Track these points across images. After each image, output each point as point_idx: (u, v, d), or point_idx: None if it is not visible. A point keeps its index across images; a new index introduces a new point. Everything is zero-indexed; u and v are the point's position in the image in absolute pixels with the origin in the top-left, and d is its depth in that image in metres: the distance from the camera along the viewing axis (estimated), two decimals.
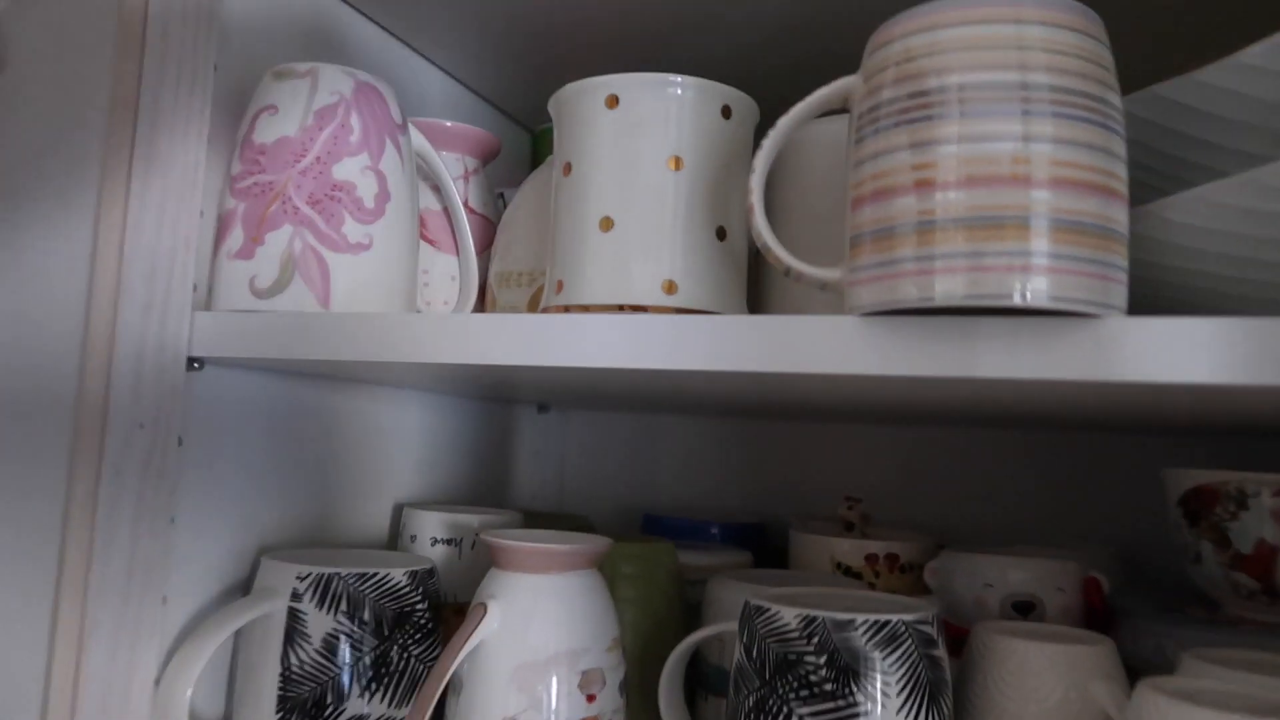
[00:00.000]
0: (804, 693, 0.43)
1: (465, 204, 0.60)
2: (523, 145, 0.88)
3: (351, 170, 0.49)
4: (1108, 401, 0.41)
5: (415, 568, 0.53)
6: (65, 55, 0.44)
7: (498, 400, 0.83)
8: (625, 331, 0.40)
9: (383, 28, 0.67)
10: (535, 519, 0.74)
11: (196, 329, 0.48)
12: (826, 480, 0.84)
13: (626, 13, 0.62)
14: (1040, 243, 0.33)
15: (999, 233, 0.34)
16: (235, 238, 0.48)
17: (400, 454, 0.69)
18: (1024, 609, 0.56)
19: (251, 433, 0.55)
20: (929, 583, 0.61)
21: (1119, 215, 0.35)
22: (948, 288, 0.34)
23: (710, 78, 0.72)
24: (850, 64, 0.66)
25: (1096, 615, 0.57)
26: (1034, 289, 0.33)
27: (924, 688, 0.44)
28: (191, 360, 0.49)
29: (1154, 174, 0.45)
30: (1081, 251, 0.34)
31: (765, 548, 0.78)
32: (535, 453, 0.89)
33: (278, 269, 0.47)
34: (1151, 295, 0.40)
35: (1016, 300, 0.33)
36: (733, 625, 0.49)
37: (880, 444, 0.83)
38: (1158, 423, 0.59)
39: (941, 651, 0.46)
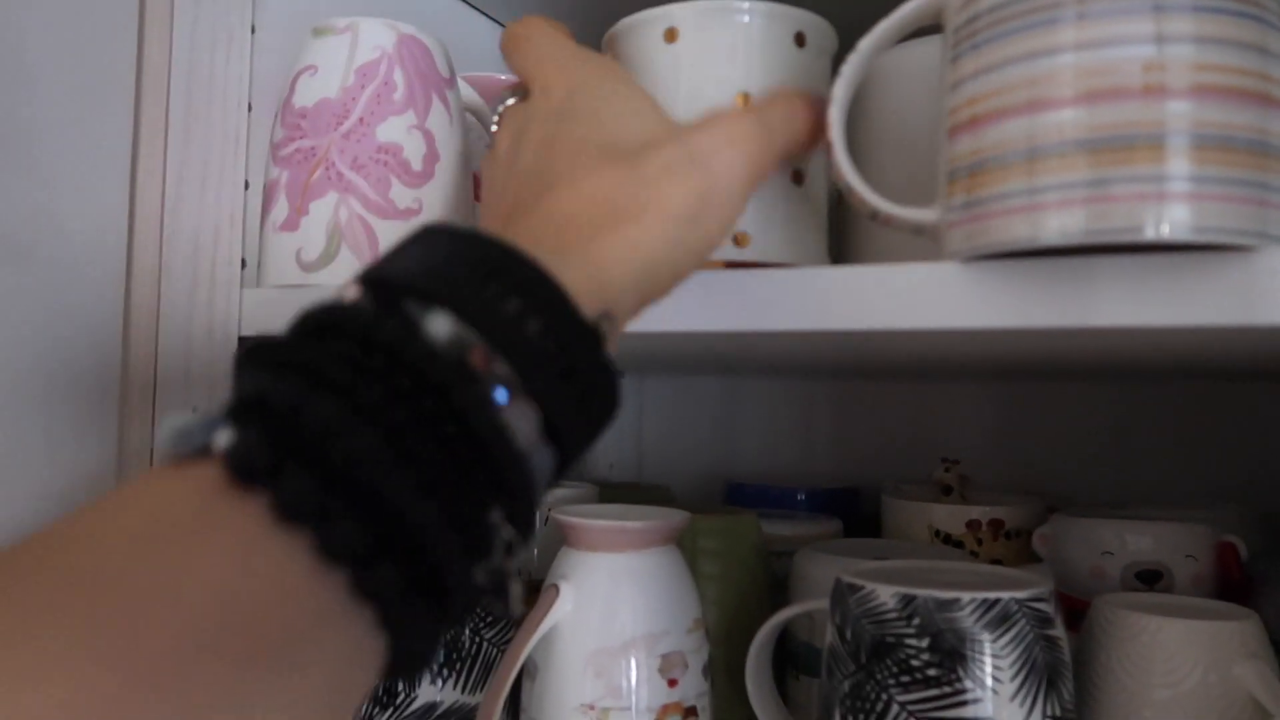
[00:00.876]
0: (905, 679, 0.39)
1: None
2: None
3: (397, 130, 0.45)
4: (1257, 347, 0.36)
5: None
6: (86, 22, 0.42)
7: None
8: (692, 291, 0.36)
9: None
10: (613, 491, 0.72)
11: (246, 307, 0.46)
12: (922, 441, 0.79)
13: None
14: (1179, 164, 0.28)
15: (1129, 155, 0.28)
16: (280, 209, 0.46)
17: None
18: (1149, 579, 0.51)
19: None
20: (1039, 551, 0.56)
21: (1277, 127, 0.29)
22: (1065, 223, 0.29)
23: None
24: None
25: (1233, 585, 0.51)
26: (1173, 219, 0.28)
27: (1040, 673, 0.39)
28: (243, 340, 0.47)
29: None
30: (1232, 173, 0.28)
31: (857, 515, 0.73)
32: None
33: (324, 240, 0.45)
34: None
35: (1149, 234, 0.28)
36: (823, 603, 0.45)
37: (979, 399, 0.77)
38: None
39: (1059, 631, 0.41)
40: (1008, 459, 0.76)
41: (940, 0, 0.34)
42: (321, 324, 0.22)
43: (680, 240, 0.28)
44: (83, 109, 0.41)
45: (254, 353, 0.22)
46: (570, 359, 0.23)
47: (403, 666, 0.21)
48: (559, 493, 0.60)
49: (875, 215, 0.35)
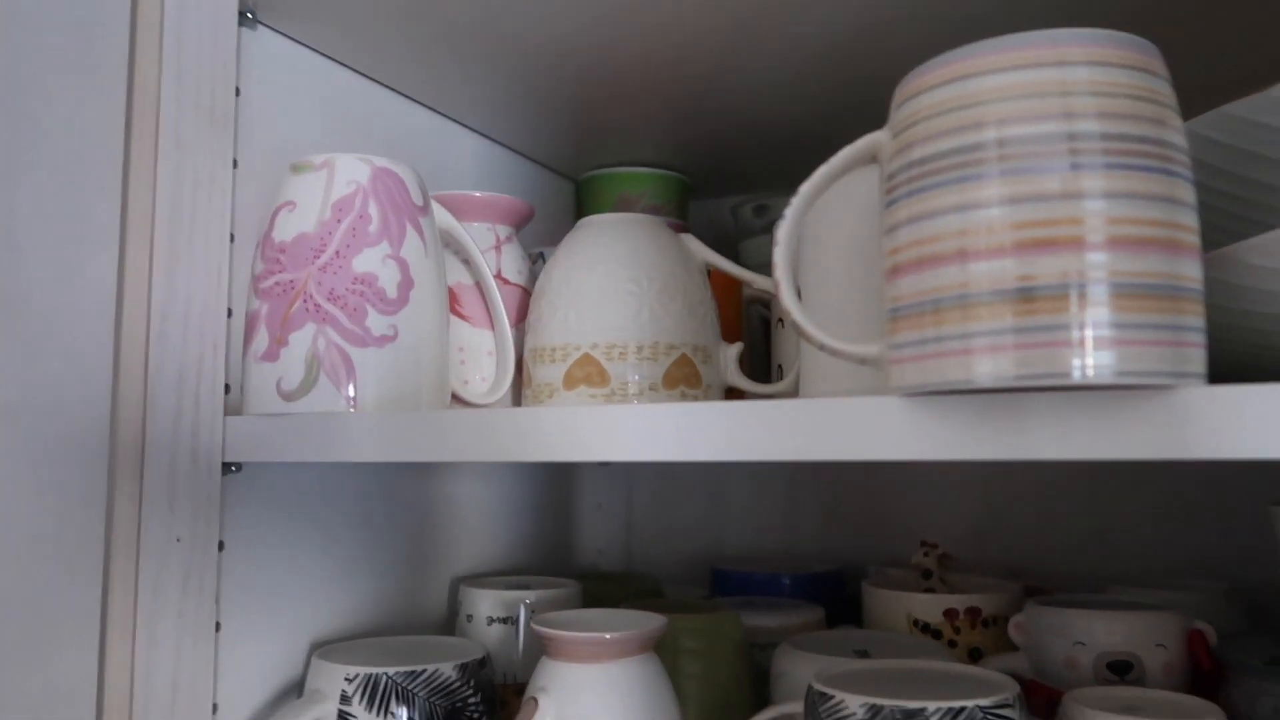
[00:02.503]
0: None
1: (498, 275, 0.59)
2: (566, 196, 0.86)
3: (372, 261, 0.47)
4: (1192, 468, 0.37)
5: (466, 659, 0.51)
6: (72, 173, 0.44)
7: None
8: (654, 422, 0.38)
9: (410, 99, 0.67)
10: (599, 582, 0.72)
11: (230, 434, 0.48)
12: (904, 520, 0.80)
13: (662, 49, 0.60)
14: (1099, 312, 0.30)
15: (1052, 304, 0.30)
16: (261, 339, 0.47)
17: (456, 525, 0.68)
18: (1121, 669, 0.52)
19: (296, 526, 0.54)
20: (1014, 640, 0.57)
21: (1190, 271, 0.31)
22: (994, 368, 0.31)
23: (749, 119, 0.69)
24: (884, 112, 0.63)
25: (1204, 673, 0.52)
26: (1096, 364, 0.30)
27: None
28: (227, 465, 0.48)
29: (1230, 200, 0.40)
30: (1148, 317, 0.30)
31: (841, 597, 0.74)
32: (599, 506, 0.87)
33: (303, 370, 0.46)
34: (1232, 350, 0.36)
35: (1075, 378, 0.30)
36: (797, 707, 0.46)
37: (960, 479, 0.78)
38: None
39: None
40: (988, 537, 0.77)
41: (875, 145, 0.36)
42: None
43: None
44: (70, 253, 0.43)
45: None
46: None
47: None
48: (543, 593, 0.61)
49: (823, 348, 0.37)
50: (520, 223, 0.61)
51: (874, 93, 0.65)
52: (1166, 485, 0.71)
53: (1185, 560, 0.71)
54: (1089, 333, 0.30)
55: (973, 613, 0.60)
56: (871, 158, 0.37)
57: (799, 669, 0.52)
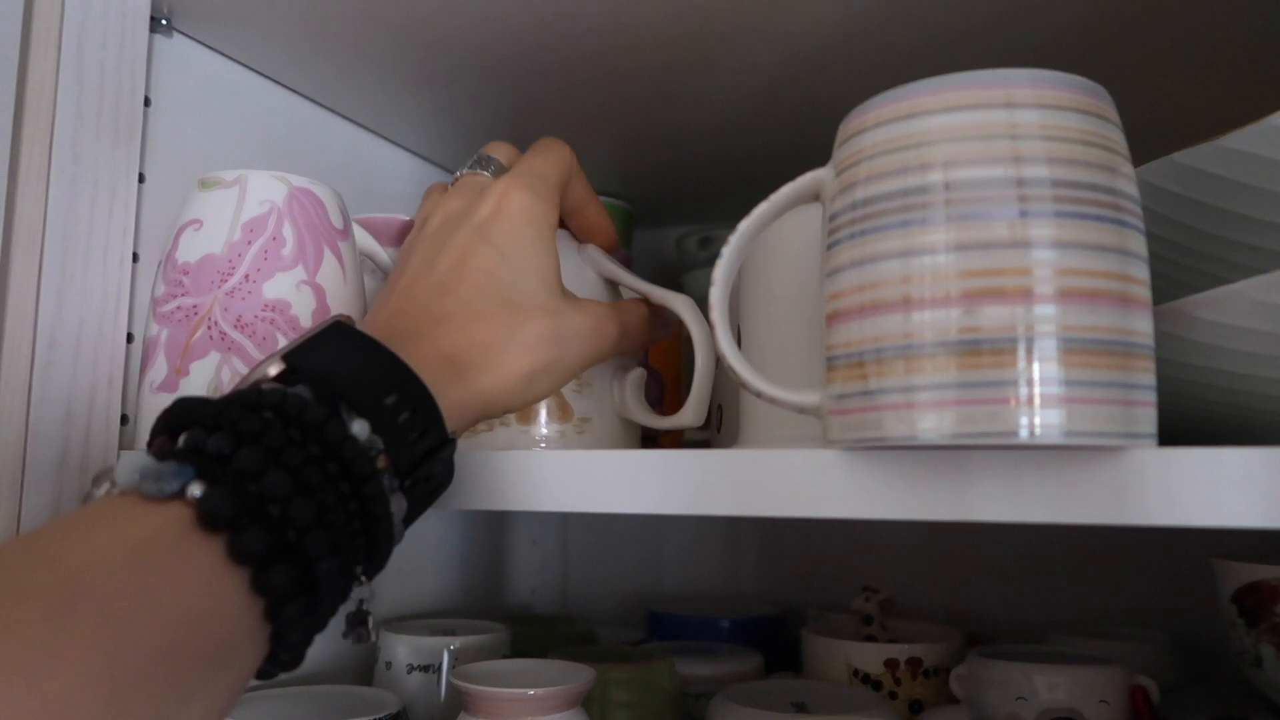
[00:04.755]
0: None
1: None
2: None
3: (285, 287, 0.44)
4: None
5: (378, 714, 0.47)
6: None
7: None
8: (581, 470, 0.35)
9: (340, 115, 0.64)
10: (530, 626, 0.69)
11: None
12: (846, 561, 0.78)
13: (607, 75, 0.58)
14: (1048, 367, 0.28)
15: (998, 358, 0.28)
16: (158, 368, 0.44)
17: None
18: None
19: None
20: (956, 692, 0.55)
21: (1141, 326, 0.30)
22: (937, 425, 0.29)
23: (695, 149, 0.68)
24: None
25: None
26: (1043, 424, 0.28)
27: None
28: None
29: (1179, 251, 0.39)
30: (1099, 374, 0.28)
31: (780, 642, 0.72)
32: (534, 541, 0.84)
33: None
34: (1181, 404, 0.35)
35: (1022, 437, 0.28)
36: None
37: (901, 526, 0.77)
38: None
39: None
40: (931, 581, 0.75)
41: (817, 182, 0.34)
42: (274, 405, 0.28)
43: (518, 394, 0.36)
44: None
45: (217, 410, 0.28)
46: (432, 466, 0.32)
47: (278, 661, 0.28)
48: (467, 639, 0.58)
49: (760, 396, 0.34)
50: None
51: (824, 127, 0.63)
52: (1108, 532, 0.71)
53: (1126, 607, 0.70)
54: (1037, 390, 0.28)
55: (914, 663, 0.58)
56: (814, 196, 0.35)
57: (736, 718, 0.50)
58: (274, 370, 0.30)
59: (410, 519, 0.32)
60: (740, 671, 0.61)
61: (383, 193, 0.68)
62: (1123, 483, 0.29)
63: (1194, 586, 0.68)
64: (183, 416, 0.28)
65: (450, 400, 0.33)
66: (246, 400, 0.28)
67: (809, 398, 0.33)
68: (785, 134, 0.65)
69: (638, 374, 0.47)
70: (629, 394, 0.46)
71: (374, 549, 0.30)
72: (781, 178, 0.35)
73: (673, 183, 0.77)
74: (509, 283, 0.36)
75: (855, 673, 0.58)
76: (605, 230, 0.47)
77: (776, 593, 0.80)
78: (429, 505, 0.34)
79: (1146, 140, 0.62)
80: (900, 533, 0.76)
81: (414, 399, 0.31)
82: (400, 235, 0.56)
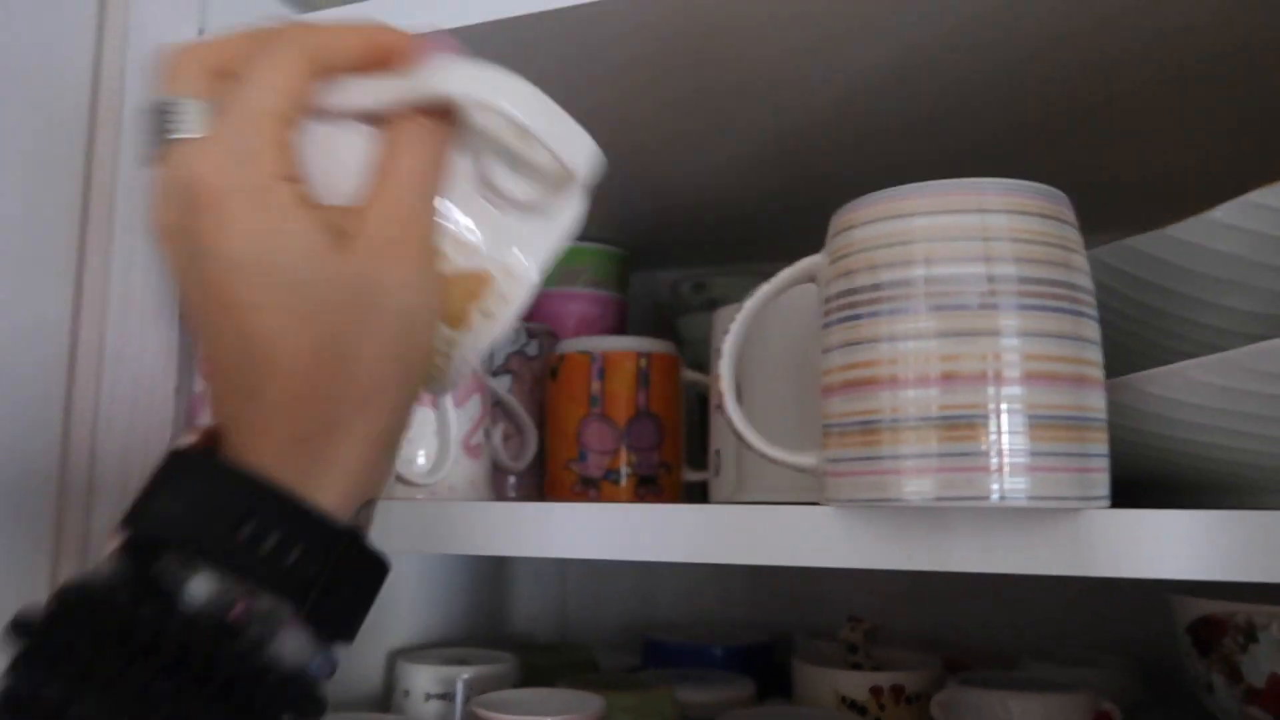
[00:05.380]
0: None
1: None
2: None
3: None
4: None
5: None
6: (27, 252, 0.44)
7: None
8: (592, 521, 0.40)
9: None
10: (534, 654, 0.73)
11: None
12: (832, 589, 0.82)
13: (603, 126, 0.62)
14: (1016, 440, 0.33)
15: (973, 432, 0.33)
16: (205, 418, 0.47)
17: (393, 597, 0.68)
18: None
19: None
20: (937, 718, 0.59)
21: (1095, 402, 0.34)
22: (920, 488, 0.33)
23: (700, 188, 0.72)
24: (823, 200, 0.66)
25: None
26: (1010, 489, 0.32)
27: None
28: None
29: (1131, 322, 0.44)
30: (1058, 446, 0.33)
31: (771, 668, 0.76)
32: (535, 573, 0.88)
33: None
34: (1132, 462, 0.39)
35: (993, 500, 0.32)
36: None
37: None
38: None
39: None
40: (910, 611, 0.80)
41: (812, 268, 0.39)
42: (88, 603, 0.24)
43: (391, 419, 0.29)
44: (21, 339, 0.43)
45: (26, 630, 0.24)
46: (335, 569, 0.27)
47: None
48: (480, 668, 0.62)
49: (763, 457, 0.39)
50: None
51: (814, 182, 0.68)
52: None
53: (1093, 634, 0.75)
54: (1006, 459, 0.33)
55: (897, 690, 0.62)
56: (810, 278, 0.40)
57: None
58: (113, 545, 0.26)
59: (345, 629, 0.28)
60: (735, 698, 0.65)
61: None
62: (1078, 539, 0.33)
63: (1155, 616, 0.72)
64: (12, 633, 0.25)
65: (332, 488, 0.27)
66: (58, 614, 0.25)
67: (807, 459, 0.38)
68: (776, 185, 0.70)
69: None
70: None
71: (280, 699, 0.26)
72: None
73: (668, 231, 0.82)
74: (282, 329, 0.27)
75: (843, 699, 0.63)
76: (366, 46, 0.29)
77: (766, 619, 0.84)
78: (367, 602, 0.30)
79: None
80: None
81: (276, 513, 0.26)
82: None
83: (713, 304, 0.85)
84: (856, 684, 0.62)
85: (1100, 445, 0.34)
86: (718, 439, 0.58)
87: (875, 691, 0.62)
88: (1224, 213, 0.40)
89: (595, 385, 0.63)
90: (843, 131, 0.60)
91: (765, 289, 0.39)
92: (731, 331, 0.39)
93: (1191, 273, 0.41)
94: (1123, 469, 0.37)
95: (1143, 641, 0.73)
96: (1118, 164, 0.62)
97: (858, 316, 0.36)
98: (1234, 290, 0.41)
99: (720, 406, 0.39)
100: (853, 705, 0.62)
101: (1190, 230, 0.40)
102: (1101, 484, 0.34)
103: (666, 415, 0.65)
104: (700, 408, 0.74)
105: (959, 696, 0.58)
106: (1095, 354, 0.35)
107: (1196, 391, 0.35)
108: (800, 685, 0.65)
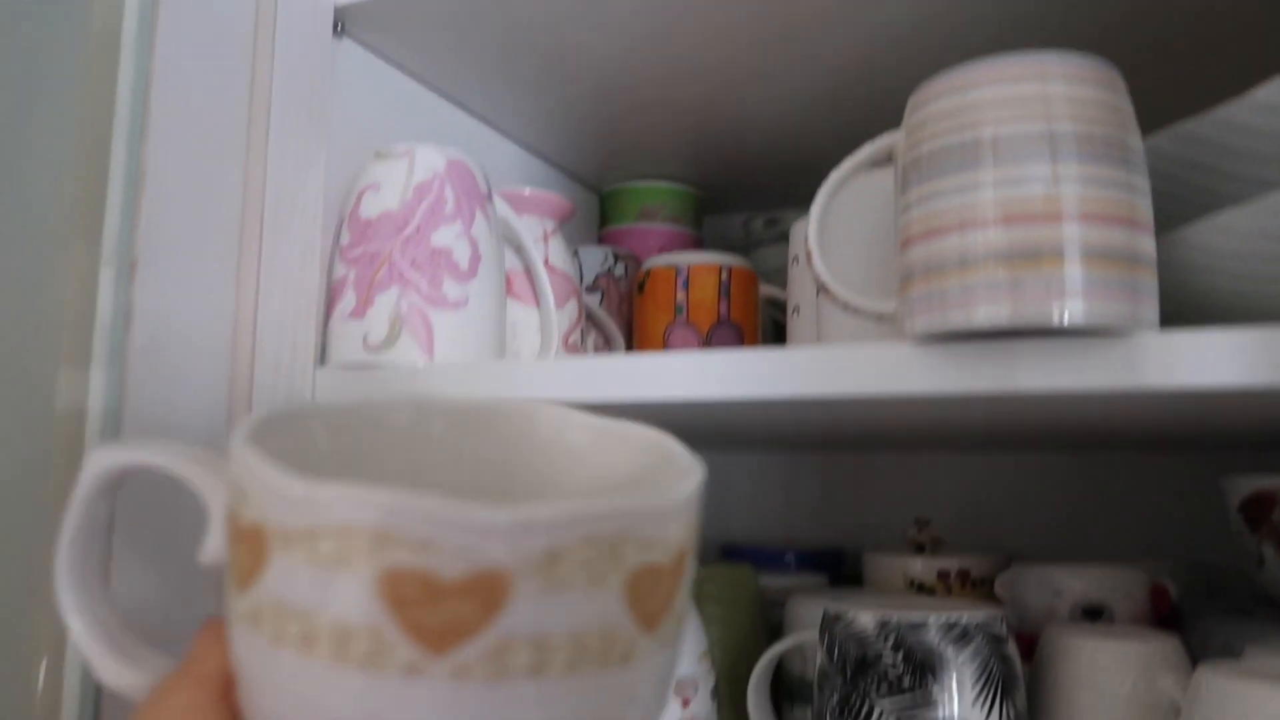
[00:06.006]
0: (883, 688, 0.47)
1: (545, 262, 0.66)
2: (592, 206, 0.94)
3: (448, 237, 0.55)
4: (1148, 415, 0.45)
5: None
6: (204, 160, 0.51)
7: None
8: (692, 366, 0.45)
9: (463, 108, 0.74)
10: None
11: (318, 384, 0.54)
12: (895, 509, 0.87)
13: (682, 73, 0.68)
14: (1073, 270, 0.38)
15: (1036, 263, 0.38)
16: (348, 300, 0.54)
17: None
18: (1093, 614, 0.59)
19: None
20: (1000, 595, 0.64)
21: (1145, 242, 0.39)
22: (991, 313, 0.38)
23: (770, 132, 0.77)
24: (894, 116, 0.71)
25: (1164, 621, 0.59)
26: (1070, 311, 0.37)
27: (996, 682, 0.47)
28: None
29: (1181, 203, 0.48)
30: (1111, 275, 0.38)
31: (839, 574, 0.81)
32: None
33: (387, 326, 0.53)
34: (1183, 314, 0.44)
35: (1055, 321, 0.37)
36: (813, 634, 0.53)
37: (947, 472, 0.86)
38: (1211, 437, 0.61)
39: (1012, 651, 0.49)
40: (972, 524, 0.84)
41: (891, 144, 0.44)
42: None
43: None
44: (202, 225, 0.50)
45: None
46: None
47: None
48: None
49: (846, 306, 0.44)
50: (563, 219, 0.68)
51: (879, 116, 0.73)
52: (1133, 475, 0.79)
53: (1148, 539, 0.78)
54: (1067, 286, 0.38)
55: (963, 574, 0.67)
56: (888, 155, 0.45)
57: (812, 611, 0.59)
58: None
59: None
60: (809, 585, 0.71)
61: (493, 176, 0.78)
62: (1132, 357, 0.38)
63: (1203, 524, 0.76)
64: None
65: None
66: None
67: (886, 305, 0.43)
68: (843, 124, 0.75)
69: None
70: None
71: None
72: (838, 162, 0.44)
73: (740, 172, 0.87)
74: None
75: (911, 583, 0.67)
76: None
77: (831, 536, 0.89)
78: None
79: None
80: (944, 477, 0.85)
81: None
82: (526, 205, 0.66)
83: (784, 237, 0.90)
84: (925, 569, 0.67)
85: (1150, 281, 0.39)
86: (796, 295, 0.62)
87: (943, 576, 0.67)
88: (1266, 93, 0.44)
89: (680, 295, 0.69)
90: (901, 69, 0.64)
91: (847, 163, 0.45)
92: (819, 198, 0.45)
93: (1237, 151, 0.45)
94: (1175, 323, 0.41)
95: (1191, 556, 0.77)
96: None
97: (932, 176, 0.41)
98: (1273, 165, 0.45)
99: (807, 258, 0.44)
100: (921, 588, 0.67)
101: (1236, 111, 0.45)
102: (1151, 311, 0.38)
103: (746, 324, 0.70)
104: (775, 330, 0.80)
105: (1021, 574, 0.62)
106: (1145, 203, 0.39)
107: (1237, 239, 0.40)
108: (871, 574, 0.70)
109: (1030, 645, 0.59)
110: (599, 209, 0.94)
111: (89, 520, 0.30)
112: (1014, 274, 0.38)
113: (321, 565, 0.22)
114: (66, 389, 0.47)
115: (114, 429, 0.48)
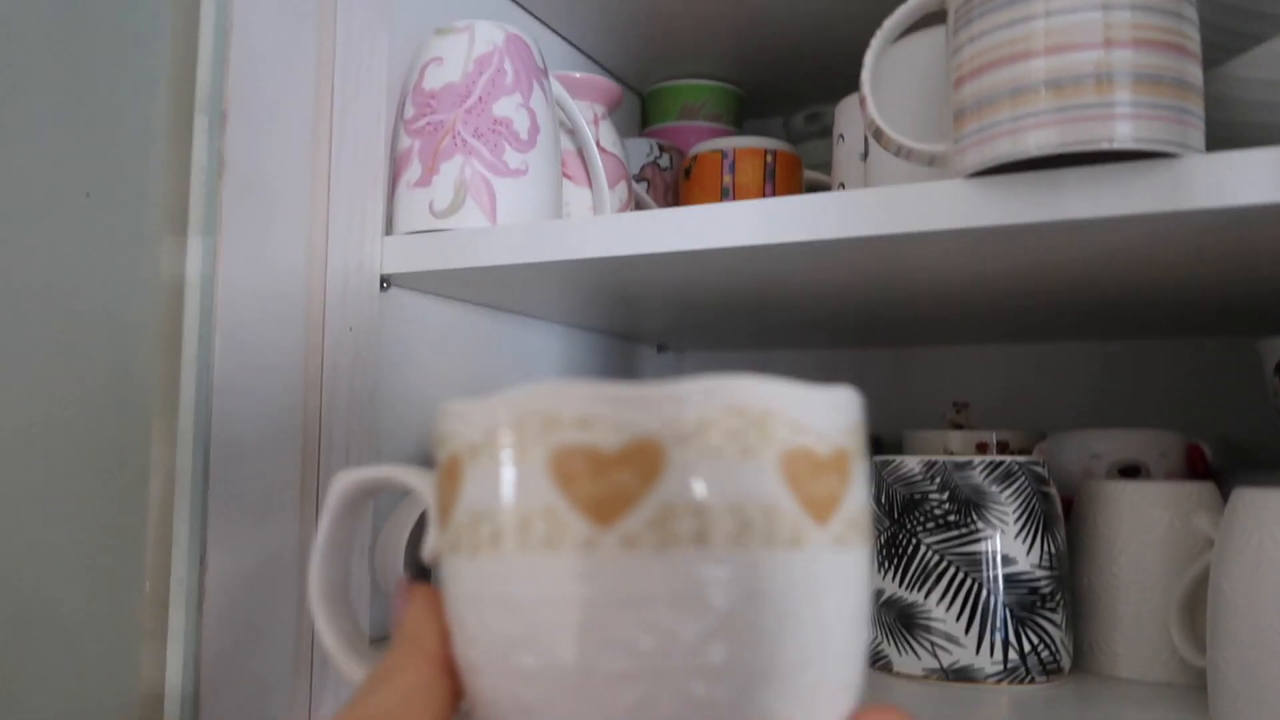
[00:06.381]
0: (930, 524, 0.49)
1: (597, 144, 0.68)
2: (633, 106, 0.95)
3: (508, 107, 0.57)
4: (1191, 246, 0.46)
5: None
6: (284, 43, 0.53)
7: (622, 337, 0.90)
8: (751, 212, 0.47)
9: (514, 2, 0.76)
10: None
11: (386, 250, 0.57)
12: (931, 401, 0.89)
13: None
14: (1123, 94, 0.39)
15: (1085, 88, 0.39)
16: (414, 169, 0.56)
17: (542, 379, 0.77)
18: (1130, 472, 0.61)
19: (427, 346, 0.63)
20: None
21: (1192, 70, 0.40)
22: (1041, 140, 0.40)
23: (812, 25, 0.78)
24: None
25: (1199, 478, 0.61)
26: (1119, 133, 0.39)
27: (1038, 517, 0.49)
28: (382, 279, 0.58)
29: (1221, 49, 0.49)
30: (1159, 99, 0.39)
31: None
32: None
33: (452, 193, 0.55)
34: (1231, 145, 0.45)
35: (1104, 144, 0.39)
36: None
37: (982, 362, 0.87)
38: (1245, 297, 0.62)
39: (1052, 490, 0.51)
40: (1008, 412, 0.86)
41: None
42: None
43: None
44: (281, 107, 0.52)
45: None
46: None
47: None
48: None
49: (899, 150, 0.46)
50: (613, 105, 0.70)
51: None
52: (1164, 361, 0.80)
53: (1183, 418, 0.80)
54: (1116, 109, 0.39)
55: (1002, 445, 0.69)
56: (940, 3, 0.46)
57: None
58: None
59: None
60: None
61: None
62: (1178, 181, 0.39)
63: (1237, 408, 0.77)
64: None
65: None
66: None
67: (938, 146, 0.45)
68: (885, 15, 0.76)
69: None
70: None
71: None
72: None
73: (781, 69, 0.88)
74: None
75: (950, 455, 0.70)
76: None
77: (871, 425, 0.92)
78: None
79: None
80: (980, 367, 0.87)
81: None
82: (578, 89, 0.68)
83: (825, 132, 0.91)
84: (964, 441, 0.69)
85: (1197, 107, 0.40)
86: (841, 174, 0.64)
87: (982, 447, 0.69)
88: None
89: (727, 178, 0.71)
90: None
91: (900, 11, 0.46)
92: (873, 45, 0.46)
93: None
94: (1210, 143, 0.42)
95: (1226, 422, 0.78)
96: None
97: (984, 13, 0.42)
98: None
99: (861, 103, 0.46)
100: None
101: None
102: (1198, 137, 0.40)
103: None
104: None
105: (1060, 440, 0.64)
106: (1193, 31, 0.41)
107: (1269, 69, 0.41)
108: (911, 450, 0.72)
109: (1070, 507, 0.61)
110: (640, 111, 0.95)
111: (336, 535, 0.31)
112: (1064, 100, 0.39)
113: (501, 460, 0.24)
114: (166, 256, 0.50)
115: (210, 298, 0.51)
